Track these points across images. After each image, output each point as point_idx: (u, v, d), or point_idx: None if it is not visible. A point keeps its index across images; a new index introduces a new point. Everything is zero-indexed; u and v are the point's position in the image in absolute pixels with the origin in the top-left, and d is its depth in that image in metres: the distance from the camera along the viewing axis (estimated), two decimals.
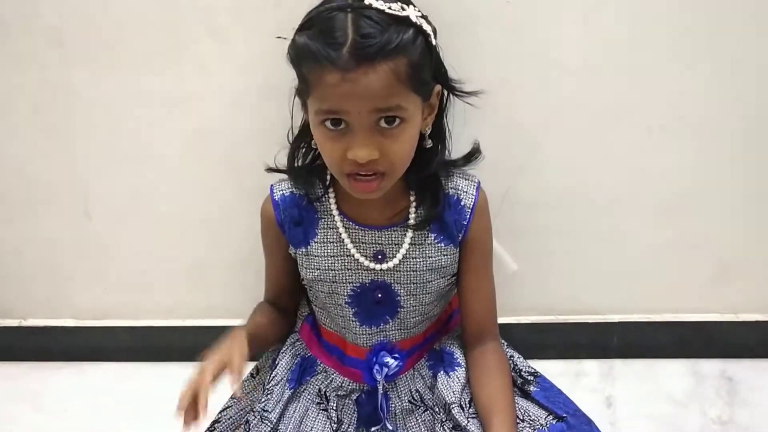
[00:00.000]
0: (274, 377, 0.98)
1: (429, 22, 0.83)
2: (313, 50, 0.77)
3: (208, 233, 1.21)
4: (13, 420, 1.19)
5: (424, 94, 0.83)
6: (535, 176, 1.14)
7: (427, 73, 0.84)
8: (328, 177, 0.93)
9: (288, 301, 1.05)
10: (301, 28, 0.81)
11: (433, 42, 0.84)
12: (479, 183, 0.95)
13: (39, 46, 1.09)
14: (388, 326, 0.96)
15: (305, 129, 0.92)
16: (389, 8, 0.78)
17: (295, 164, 0.94)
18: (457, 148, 0.96)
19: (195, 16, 1.05)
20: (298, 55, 0.81)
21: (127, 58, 1.09)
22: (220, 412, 0.99)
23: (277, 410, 0.95)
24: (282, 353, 1.01)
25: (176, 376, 1.25)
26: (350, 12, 0.77)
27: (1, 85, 1.12)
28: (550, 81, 1.08)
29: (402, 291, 0.94)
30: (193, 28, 1.06)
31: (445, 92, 0.90)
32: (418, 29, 0.80)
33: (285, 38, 0.87)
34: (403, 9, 0.79)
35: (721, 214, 1.17)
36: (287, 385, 0.98)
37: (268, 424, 0.93)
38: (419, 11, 0.82)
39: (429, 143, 0.89)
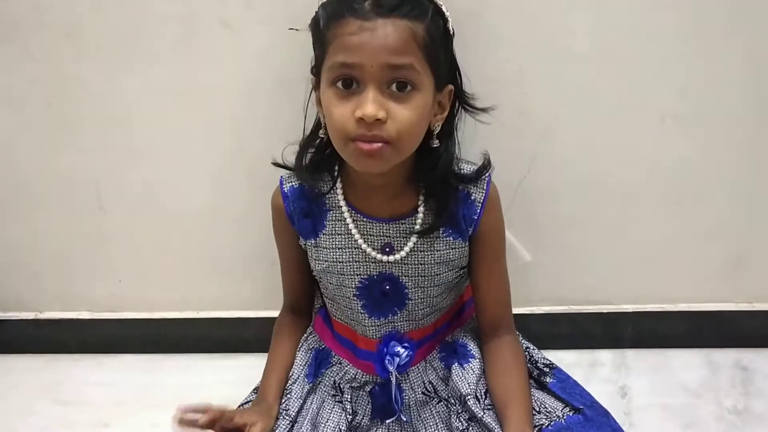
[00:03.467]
0: (290, 375, 0.99)
1: (447, 13, 0.86)
2: (336, 7, 0.81)
3: (222, 225, 1.22)
4: (34, 412, 1.20)
5: (437, 76, 0.84)
6: (548, 166, 1.13)
7: (442, 56, 0.85)
8: (337, 168, 0.94)
9: (307, 299, 1.06)
10: (325, 1, 0.84)
11: (451, 31, 0.86)
12: (490, 177, 0.94)
13: (52, 40, 1.09)
14: (396, 318, 0.97)
15: (317, 128, 0.93)
16: None
17: (303, 163, 0.94)
18: (466, 144, 0.96)
19: (207, 9, 1.05)
20: (319, 19, 0.83)
21: (140, 51, 1.09)
22: (241, 405, 1.00)
23: (297, 406, 0.96)
24: (297, 350, 1.02)
25: (190, 367, 1.28)
26: None
27: (15, 80, 1.13)
28: (562, 70, 1.07)
29: (410, 283, 0.95)
30: (205, 20, 1.06)
31: (457, 102, 0.91)
32: (438, 9, 0.84)
33: (297, 30, 0.87)
34: None
35: (735, 203, 1.17)
36: (306, 380, 0.99)
37: (288, 418, 0.94)
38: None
39: (436, 142, 0.88)
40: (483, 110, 0.93)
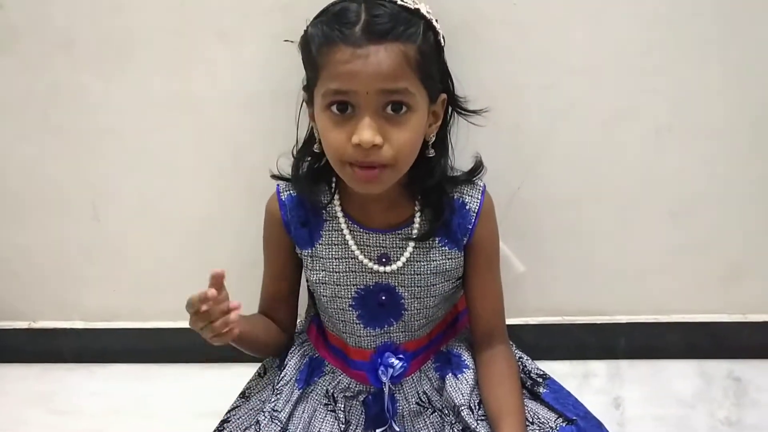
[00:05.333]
0: (283, 377, 0.99)
1: (437, 24, 0.86)
2: (326, 31, 0.80)
3: (216, 235, 1.22)
4: (27, 422, 1.20)
5: (431, 91, 0.84)
6: (543, 178, 1.14)
7: (435, 70, 0.85)
8: (334, 180, 0.94)
9: (283, 312, 1.02)
10: (314, 20, 0.84)
11: (442, 42, 0.86)
12: (485, 187, 0.95)
13: (50, 50, 1.10)
14: (392, 328, 0.97)
15: (310, 139, 0.93)
16: (401, 0, 0.81)
17: (300, 174, 0.94)
18: (461, 154, 0.96)
19: (204, 20, 1.06)
20: (309, 41, 0.83)
21: (137, 62, 1.10)
22: (229, 412, 1.00)
23: (287, 410, 0.95)
24: (291, 353, 1.02)
25: (185, 377, 1.28)
26: (363, 2, 0.80)
27: (13, 88, 1.13)
28: (557, 82, 1.08)
29: (406, 294, 0.95)
30: (201, 31, 1.07)
31: (449, 108, 0.91)
32: (428, 23, 0.83)
33: (293, 42, 0.87)
34: (414, 2, 0.82)
35: (729, 215, 1.17)
36: (296, 385, 0.98)
37: (278, 423, 0.94)
38: (429, 11, 0.84)
39: (431, 152, 0.89)
40: (476, 112, 0.93)
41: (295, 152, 0.95)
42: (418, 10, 0.82)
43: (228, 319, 0.80)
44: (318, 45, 0.81)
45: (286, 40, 0.88)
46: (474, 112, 0.93)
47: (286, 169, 0.96)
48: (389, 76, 0.78)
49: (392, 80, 0.78)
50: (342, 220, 0.93)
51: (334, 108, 0.81)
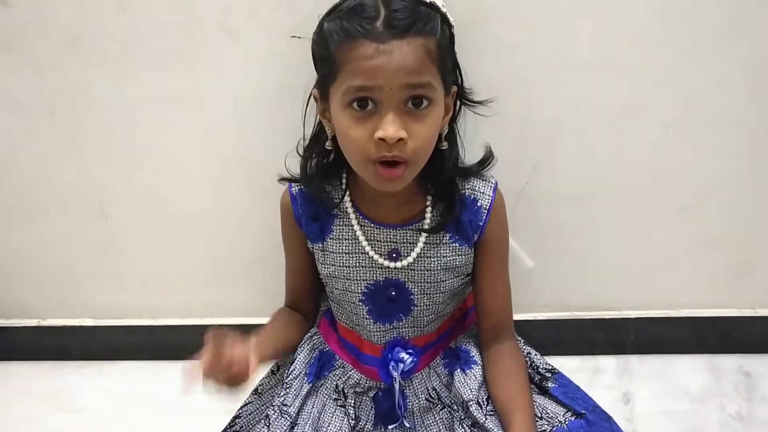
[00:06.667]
0: (292, 371, 0.99)
1: (450, 16, 0.86)
2: (346, 26, 0.79)
3: (224, 232, 1.22)
4: (36, 420, 1.20)
5: (447, 84, 0.84)
6: (551, 173, 1.13)
7: (450, 63, 0.85)
8: (344, 174, 0.94)
9: (308, 302, 1.05)
10: (328, 15, 0.83)
11: (454, 34, 0.86)
12: (496, 184, 0.95)
13: (55, 48, 1.10)
14: (401, 324, 0.97)
15: (317, 135, 0.93)
16: None
17: (308, 172, 0.94)
18: (469, 149, 0.96)
19: (210, 17, 1.06)
20: (326, 38, 0.81)
21: (143, 59, 1.09)
22: (241, 408, 1.00)
23: (296, 404, 0.95)
24: (300, 347, 1.02)
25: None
26: None
27: (19, 87, 1.13)
28: (565, 77, 1.07)
29: (416, 289, 0.95)
30: (207, 28, 1.06)
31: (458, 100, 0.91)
32: (444, 17, 0.83)
33: (300, 38, 0.87)
34: None
35: (738, 209, 1.17)
36: (306, 379, 0.98)
37: (288, 418, 0.94)
38: (444, 4, 0.84)
39: (444, 145, 0.89)
40: (481, 103, 0.93)
41: (300, 150, 0.95)
42: (433, 3, 0.82)
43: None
44: (337, 41, 0.79)
45: (293, 36, 0.88)
46: (480, 102, 0.93)
47: (294, 167, 0.96)
48: (414, 71, 0.78)
49: (417, 75, 0.78)
50: (353, 215, 0.93)
51: (355, 105, 0.80)
